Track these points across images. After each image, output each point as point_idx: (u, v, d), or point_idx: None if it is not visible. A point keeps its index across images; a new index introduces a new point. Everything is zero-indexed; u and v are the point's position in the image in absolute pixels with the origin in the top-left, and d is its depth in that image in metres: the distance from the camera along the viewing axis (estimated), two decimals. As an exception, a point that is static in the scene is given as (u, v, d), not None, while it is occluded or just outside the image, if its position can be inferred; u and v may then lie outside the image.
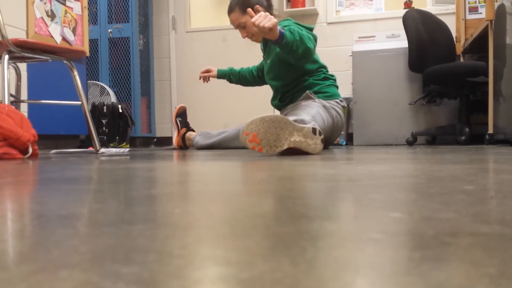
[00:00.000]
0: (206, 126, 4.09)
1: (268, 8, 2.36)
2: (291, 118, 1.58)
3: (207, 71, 2.62)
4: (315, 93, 2.22)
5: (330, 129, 2.11)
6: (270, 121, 1.38)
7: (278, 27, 1.72)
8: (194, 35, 4.15)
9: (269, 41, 1.83)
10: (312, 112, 1.90)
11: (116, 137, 3.41)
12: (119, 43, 3.88)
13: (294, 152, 1.52)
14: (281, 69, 2.27)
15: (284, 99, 2.35)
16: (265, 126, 1.37)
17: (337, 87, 2.30)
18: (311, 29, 2.33)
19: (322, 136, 1.49)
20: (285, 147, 1.40)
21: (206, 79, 2.62)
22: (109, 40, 3.88)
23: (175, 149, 2.77)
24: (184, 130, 2.70)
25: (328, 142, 2.24)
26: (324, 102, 2.12)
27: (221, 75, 2.64)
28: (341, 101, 2.22)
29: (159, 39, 4.22)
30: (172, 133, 4.23)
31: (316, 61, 2.26)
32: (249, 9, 1.82)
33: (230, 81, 2.68)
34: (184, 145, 2.68)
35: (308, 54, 1.93)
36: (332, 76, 2.31)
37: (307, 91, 2.18)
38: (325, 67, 2.30)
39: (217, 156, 1.58)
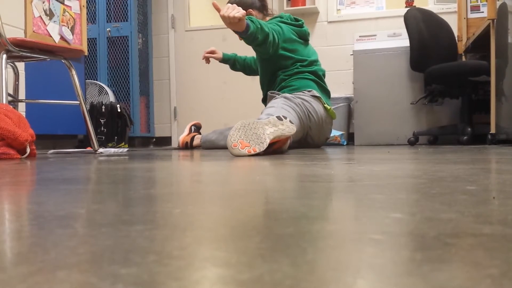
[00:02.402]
0: (205, 125, 4.09)
1: (262, 9, 2.39)
2: None
3: (212, 52, 2.59)
4: (282, 88, 2.24)
5: (303, 116, 2.12)
6: (243, 127, 1.48)
7: None
8: (194, 34, 4.15)
9: (237, 33, 1.87)
10: (271, 111, 1.94)
11: (115, 137, 3.41)
12: (118, 42, 3.87)
13: (287, 151, 1.55)
14: (260, 64, 2.32)
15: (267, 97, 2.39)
16: (243, 131, 1.47)
17: (313, 80, 2.27)
18: (299, 26, 2.34)
19: (288, 119, 1.62)
20: (268, 140, 1.48)
21: (208, 60, 2.61)
22: (108, 39, 3.87)
23: (178, 148, 2.77)
24: (196, 133, 2.73)
25: (312, 134, 2.23)
26: (286, 94, 2.13)
27: (226, 59, 2.64)
28: (309, 91, 2.21)
29: (158, 38, 4.22)
30: (171, 133, 4.23)
31: (290, 57, 2.26)
32: (214, 2, 1.83)
33: (234, 66, 2.67)
34: (191, 144, 2.67)
35: (267, 39, 1.98)
36: (311, 67, 2.28)
37: (268, 92, 2.22)
38: (301, 61, 2.28)
39: (216, 156, 1.58)
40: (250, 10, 2.33)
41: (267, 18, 2.40)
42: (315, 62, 2.32)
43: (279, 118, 1.58)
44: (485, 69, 2.64)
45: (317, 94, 2.21)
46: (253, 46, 2.00)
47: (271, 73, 2.31)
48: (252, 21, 1.87)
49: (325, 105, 2.24)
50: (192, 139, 2.68)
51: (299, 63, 2.26)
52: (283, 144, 1.64)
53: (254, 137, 1.47)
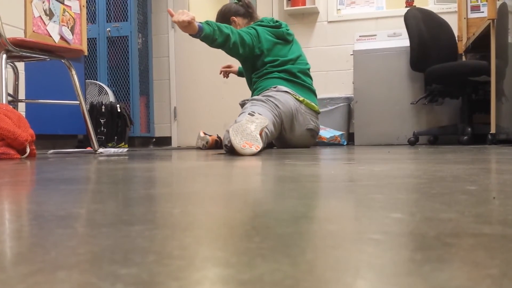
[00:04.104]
0: (205, 126, 4.09)
1: (247, 15, 2.48)
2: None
3: (229, 66, 2.74)
4: (254, 90, 2.38)
5: (273, 110, 2.17)
6: (236, 131, 1.59)
7: (197, 22, 1.92)
8: (194, 34, 4.14)
9: (193, 36, 1.99)
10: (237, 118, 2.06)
11: (115, 137, 3.40)
12: (118, 42, 3.87)
13: (286, 151, 1.60)
14: (242, 66, 2.44)
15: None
16: (240, 134, 1.58)
17: (281, 78, 2.32)
18: (276, 27, 2.38)
19: (256, 112, 1.82)
20: (258, 135, 1.62)
21: (226, 74, 2.73)
22: (108, 39, 3.87)
23: (204, 148, 2.68)
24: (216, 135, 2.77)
25: (285, 126, 2.26)
26: (254, 97, 2.25)
27: (242, 72, 2.73)
28: (274, 87, 2.28)
29: (158, 38, 4.22)
30: (171, 133, 4.23)
31: (261, 58, 2.33)
32: (169, 9, 1.96)
33: None
34: (221, 142, 2.64)
35: (228, 40, 2.10)
36: (283, 67, 2.33)
37: (239, 102, 2.35)
38: (272, 62, 2.34)
39: (217, 156, 1.59)
40: (233, 17, 2.45)
41: (251, 23, 2.46)
42: (290, 61, 2.37)
43: (250, 114, 1.75)
44: (485, 69, 2.64)
45: (285, 89, 2.27)
46: (217, 47, 2.12)
47: (250, 73, 2.42)
48: (208, 24, 2.00)
49: (297, 97, 2.28)
50: (219, 137, 2.71)
51: (268, 64, 2.34)
52: (261, 135, 1.79)
53: (249, 136, 1.58)
